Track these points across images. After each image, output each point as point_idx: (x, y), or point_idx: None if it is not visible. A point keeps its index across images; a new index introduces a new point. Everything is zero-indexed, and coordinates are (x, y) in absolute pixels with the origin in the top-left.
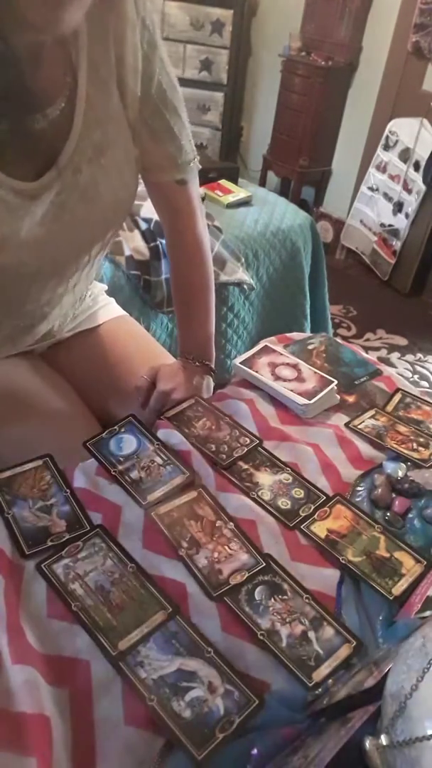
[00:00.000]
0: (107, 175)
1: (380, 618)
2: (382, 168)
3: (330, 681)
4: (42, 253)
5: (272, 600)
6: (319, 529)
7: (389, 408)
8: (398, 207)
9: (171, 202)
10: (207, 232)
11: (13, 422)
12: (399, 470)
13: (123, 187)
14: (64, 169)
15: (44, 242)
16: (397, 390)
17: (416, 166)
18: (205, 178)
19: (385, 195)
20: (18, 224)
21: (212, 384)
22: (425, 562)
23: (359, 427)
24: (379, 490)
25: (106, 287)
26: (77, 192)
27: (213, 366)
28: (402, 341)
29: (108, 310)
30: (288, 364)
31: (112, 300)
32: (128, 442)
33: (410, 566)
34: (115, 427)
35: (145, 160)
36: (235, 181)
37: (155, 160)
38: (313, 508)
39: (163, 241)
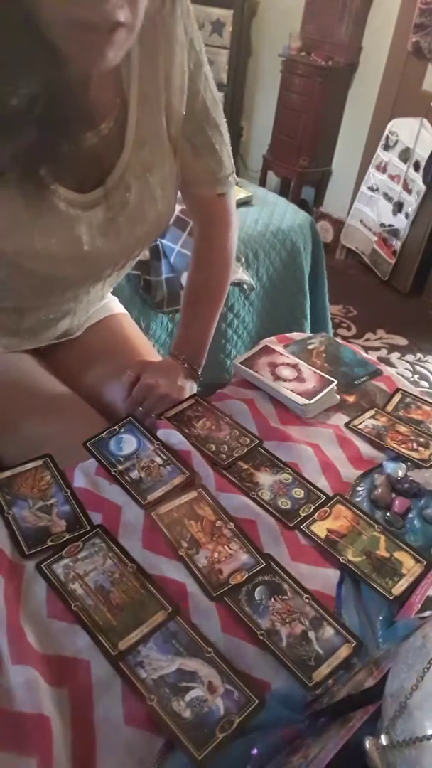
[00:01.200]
0: (153, 191)
1: (380, 618)
2: (382, 168)
3: (330, 681)
4: (86, 264)
5: (272, 600)
6: (319, 529)
7: (389, 408)
8: (398, 207)
9: (207, 211)
10: (236, 243)
11: (28, 415)
12: (399, 470)
13: (165, 202)
14: (115, 187)
15: (90, 256)
16: (397, 390)
17: (416, 166)
18: None
19: (385, 195)
20: (68, 235)
21: (195, 388)
22: (425, 562)
23: (359, 427)
24: (379, 490)
25: None
26: (126, 208)
27: (200, 373)
28: (402, 341)
29: (110, 306)
30: (288, 364)
31: (115, 298)
32: (128, 442)
33: (410, 566)
34: (115, 427)
35: (186, 174)
36: None
37: (196, 174)
38: (313, 508)
39: (164, 242)
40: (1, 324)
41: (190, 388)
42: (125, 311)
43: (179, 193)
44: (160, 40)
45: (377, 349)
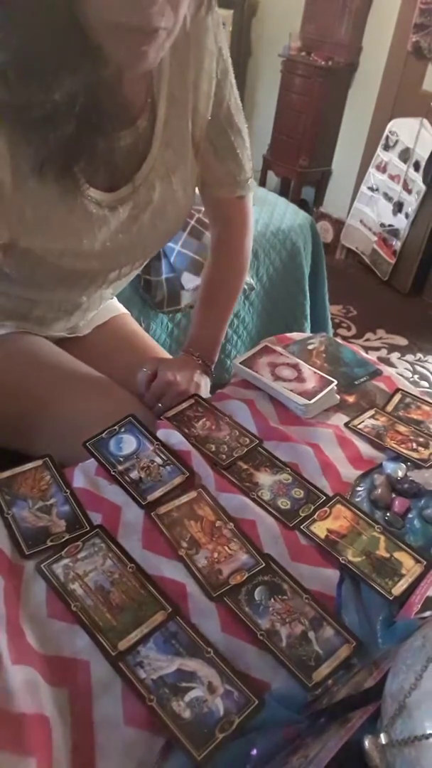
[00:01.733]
0: (175, 192)
1: (380, 618)
2: (382, 168)
3: (330, 681)
4: (109, 260)
5: (272, 600)
6: (319, 529)
7: (389, 408)
8: (398, 207)
9: (226, 214)
10: (251, 244)
11: (64, 393)
12: (399, 470)
13: (186, 202)
14: (140, 186)
15: (113, 252)
16: (397, 390)
17: (416, 166)
18: None
19: (385, 195)
20: (96, 234)
21: (209, 385)
22: (425, 562)
23: (359, 427)
24: (379, 490)
25: None
26: (150, 207)
27: (212, 369)
28: (402, 341)
29: (111, 308)
30: (288, 364)
31: (114, 298)
32: (128, 442)
33: (410, 566)
34: (115, 427)
35: (207, 176)
36: None
37: (217, 177)
38: (313, 508)
39: None
40: (12, 309)
41: (206, 384)
42: (126, 310)
43: (199, 196)
44: (192, 47)
45: (377, 349)
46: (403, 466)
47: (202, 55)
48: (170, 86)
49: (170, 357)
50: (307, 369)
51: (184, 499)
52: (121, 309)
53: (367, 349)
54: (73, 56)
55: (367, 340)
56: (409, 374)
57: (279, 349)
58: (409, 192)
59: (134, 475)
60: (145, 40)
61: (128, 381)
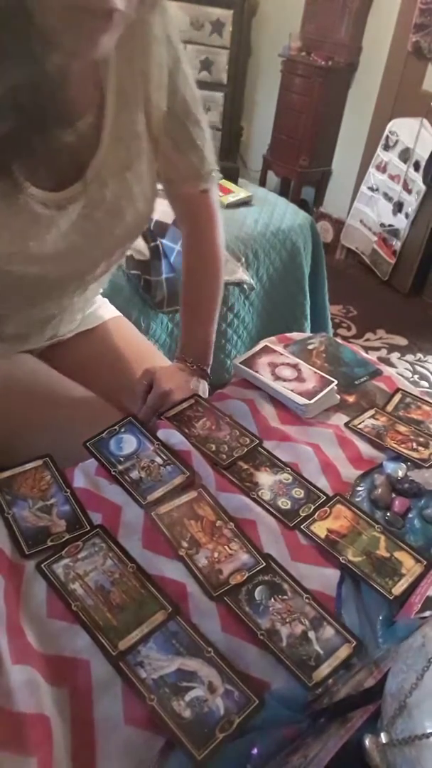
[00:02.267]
0: (130, 188)
1: (380, 618)
2: (382, 168)
3: (330, 681)
4: (66, 264)
5: (272, 600)
6: (319, 529)
7: (389, 408)
8: (398, 207)
9: (192, 210)
10: (223, 240)
11: (44, 411)
12: (399, 470)
13: (144, 199)
14: (91, 183)
15: (68, 254)
16: (397, 390)
17: (416, 166)
18: None
19: (385, 195)
20: (44, 236)
21: (207, 388)
22: (425, 562)
23: (359, 427)
24: (379, 490)
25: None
26: (103, 205)
27: (209, 372)
28: (402, 341)
29: (104, 311)
30: (288, 364)
31: (106, 300)
32: (128, 442)
33: (410, 566)
34: (115, 427)
35: (169, 171)
36: (235, 181)
37: (179, 172)
38: (313, 508)
39: (164, 241)
40: None
41: (203, 388)
42: (119, 314)
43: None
44: (137, 35)
45: (377, 349)
46: (404, 466)
47: (149, 43)
48: (118, 78)
49: (165, 364)
50: (307, 369)
51: (184, 498)
52: (114, 313)
53: (367, 349)
54: (16, 43)
55: (367, 340)
56: (409, 374)
57: (279, 349)
58: (409, 192)
59: (134, 474)
60: (101, 23)
61: (114, 391)
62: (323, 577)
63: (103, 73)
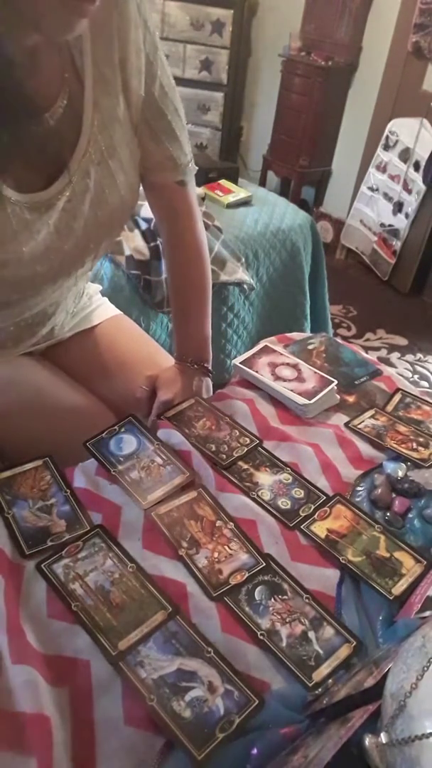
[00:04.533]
0: (114, 177)
1: (380, 618)
2: (382, 168)
3: (330, 681)
4: (53, 259)
5: (272, 600)
6: (319, 529)
7: (389, 408)
8: (398, 207)
9: (170, 203)
10: (205, 234)
11: (35, 417)
12: (399, 470)
13: (128, 188)
14: (75, 174)
15: (55, 248)
16: (397, 390)
17: (416, 166)
18: (205, 178)
19: (385, 195)
20: (34, 238)
21: (211, 384)
22: (425, 562)
23: (359, 427)
24: (379, 490)
25: (100, 287)
26: (87, 196)
27: (210, 367)
28: (402, 341)
29: (104, 310)
30: (288, 364)
31: (106, 300)
32: (128, 442)
33: (410, 566)
34: (115, 427)
35: (147, 160)
36: (235, 181)
37: (156, 161)
38: (313, 508)
39: None
40: None
41: (206, 386)
42: (120, 312)
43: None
44: (114, 18)
45: (377, 349)
46: (403, 465)
47: (126, 27)
48: (95, 64)
49: (168, 362)
50: (307, 369)
51: (184, 498)
52: (114, 311)
53: (367, 349)
54: None
55: (367, 340)
56: (409, 374)
57: (279, 349)
58: (409, 192)
59: (134, 475)
60: (86, 5)
61: (116, 389)
62: (323, 577)
63: (78, 60)
